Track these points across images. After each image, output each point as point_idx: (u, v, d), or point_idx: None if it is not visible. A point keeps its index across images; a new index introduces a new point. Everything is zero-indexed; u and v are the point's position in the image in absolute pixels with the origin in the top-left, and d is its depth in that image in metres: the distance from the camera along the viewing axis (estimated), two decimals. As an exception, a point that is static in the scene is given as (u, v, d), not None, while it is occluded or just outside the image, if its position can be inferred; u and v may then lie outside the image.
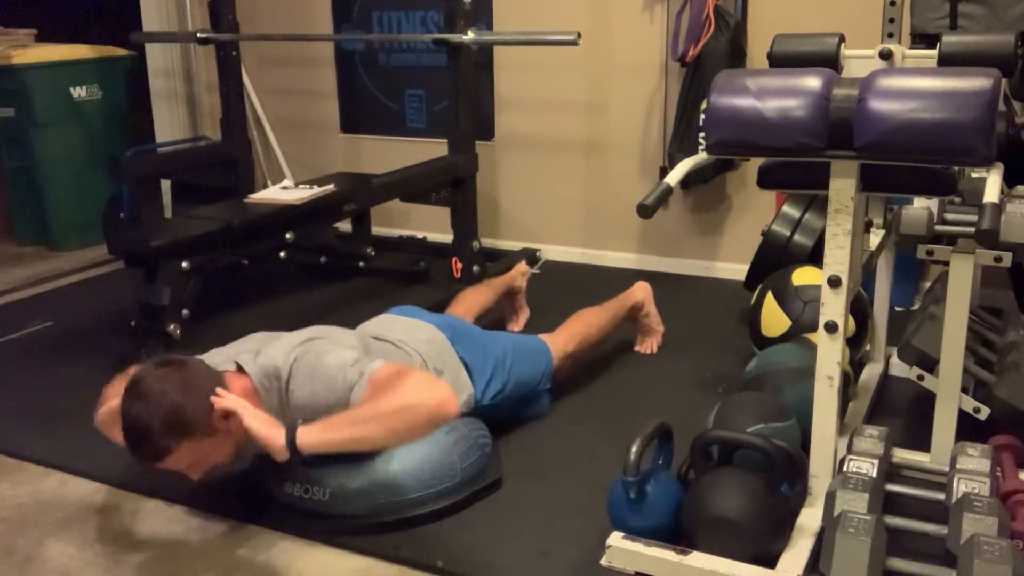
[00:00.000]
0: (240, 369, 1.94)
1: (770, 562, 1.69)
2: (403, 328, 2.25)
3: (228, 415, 1.81)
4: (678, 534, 1.78)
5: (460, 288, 3.17)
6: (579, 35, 2.99)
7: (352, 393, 1.85)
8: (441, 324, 2.32)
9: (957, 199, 2.11)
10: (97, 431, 2.01)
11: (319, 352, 1.93)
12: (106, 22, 4.75)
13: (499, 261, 3.64)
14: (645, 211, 1.68)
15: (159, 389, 1.75)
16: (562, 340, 2.50)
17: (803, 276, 2.54)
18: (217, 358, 2.00)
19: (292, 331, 2.11)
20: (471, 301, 2.83)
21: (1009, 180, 2.07)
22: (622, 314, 2.76)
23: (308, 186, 3.39)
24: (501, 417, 2.31)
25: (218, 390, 1.81)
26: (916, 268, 3.21)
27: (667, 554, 1.71)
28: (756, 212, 3.47)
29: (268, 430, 1.79)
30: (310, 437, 1.78)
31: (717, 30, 3.26)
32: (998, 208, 1.44)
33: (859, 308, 2.45)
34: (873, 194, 1.96)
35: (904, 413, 2.39)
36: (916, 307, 3.03)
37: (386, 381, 1.83)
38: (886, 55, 1.99)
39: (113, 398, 1.92)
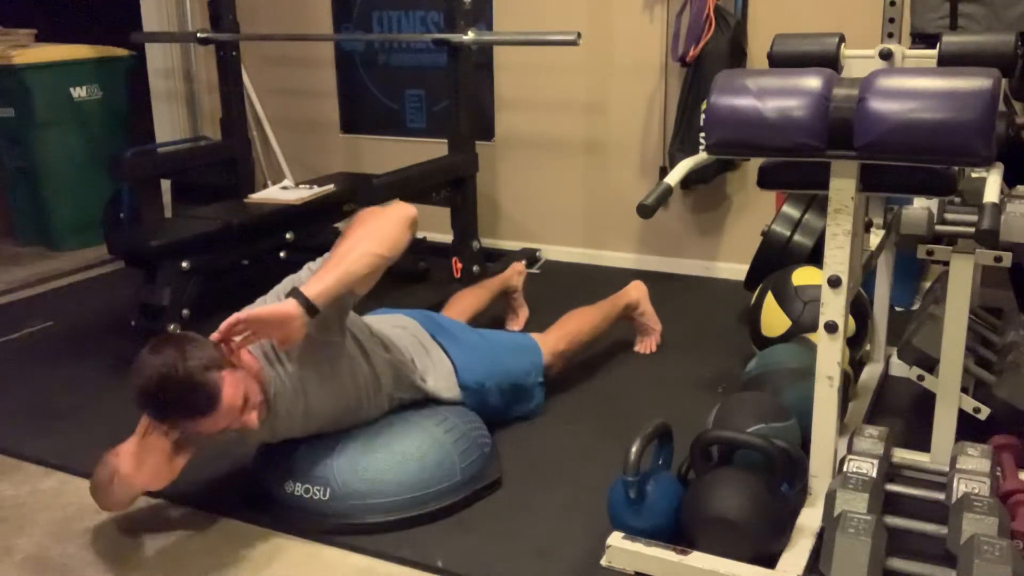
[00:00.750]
0: None
1: (770, 562, 1.69)
2: (375, 319, 2.29)
3: (231, 338, 1.79)
4: (678, 534, 1.77)
5: (460, 288, 3.17)
6: (579, 35, 2.99)
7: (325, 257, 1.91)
8: (417, 316, 2.36)
9: (957, 199, 2.11)
10: (96, 433, 2.00)
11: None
12: (106, 22, 4.73)
13: (499, 261, 3.63)
14: (645, 211, 1.68)
15: (168, 351, 1.73)
16: (552, 338, 2.52)
17: (803, 276, 2.54)
18: None
19: None
20: (465, 303, 2.84)
21: (1009, 180, 2.07)
22: (615, 313, 2.76)
23: (308, 186, 3.40)
24: (496, 416, 2.32)
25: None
26: (916, 268, 3.21)
27: (667, 554, 1.71)
28: (756, 212, 3.47)
29: (276, 307, 1.78)
30: (315, 288, 1.78)
31: (717, 30, 3.26)
32: (998, 208, 1.44)
33: (859, 308, 2.45)
34: (873, 194, 1.96)
35: (904, 413, 2.39)
36: (916, 307, 3.04)
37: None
38: (886, 55, 1.99)
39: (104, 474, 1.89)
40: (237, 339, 1.81)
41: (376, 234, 1.89)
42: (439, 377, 2.20)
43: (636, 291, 2.85)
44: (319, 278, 1.82)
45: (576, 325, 2.61)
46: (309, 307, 1.77)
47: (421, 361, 2.19)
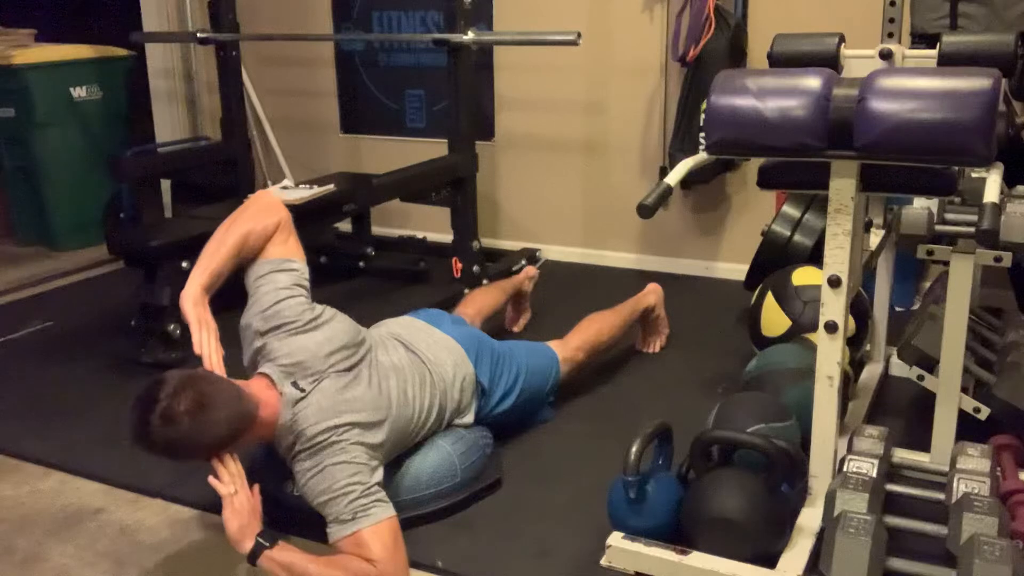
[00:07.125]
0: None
1: (770, 562, 1.69)
2: (432, 344, 2.17)
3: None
4: (678, 534, 1.78)
5: (460, 288, 3.17)
6: (579, 35, 2.99)
7: (333, 529, 1.78)
8: (466, 342, 2.24)
9: (957, 199, 2.11)
10: (96, 433, 1.99)
11: (338, 452, 1.81)
12: (106, 22, 4.73)
13: (499, 261, 3.63)
14: (645, 211, 1.68)
15: (169, 424, 1.71)
16: (571, 349, 2.48)
17: (803, 276, 2.53)
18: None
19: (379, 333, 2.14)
20: (481, 302, 2.79)
21: (1009, 180, 2.07)
22: (634, 319, 2.75)
23: (308, 186, 3.39)
24: (503, 426, 2.30)
25: (219, 461, 1.78)
26: (916, 268, 3.21)
27: (667, 554, 1.71)
28: (756, 212, 3.47)
29: (239, 537, 1.76)
30: (271, 563, 1.75)
31: (717, 30, 3.25)
32: (998, 208, 1.44)
33: (859, 308, 2.45)
34: (873, 194, 1.96)
35: (904, 413, 2.39)
36: (916, 307, 3.03)
37: (362, 555, 1.74)
38: (886, 55, 1.99)
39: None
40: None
41: None
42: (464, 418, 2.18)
43: (654, 295, 2.85)
44: (284, 566, 1.74)
45: (595, 333, 2.57)
46: (252, 561, 1.76)
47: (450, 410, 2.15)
